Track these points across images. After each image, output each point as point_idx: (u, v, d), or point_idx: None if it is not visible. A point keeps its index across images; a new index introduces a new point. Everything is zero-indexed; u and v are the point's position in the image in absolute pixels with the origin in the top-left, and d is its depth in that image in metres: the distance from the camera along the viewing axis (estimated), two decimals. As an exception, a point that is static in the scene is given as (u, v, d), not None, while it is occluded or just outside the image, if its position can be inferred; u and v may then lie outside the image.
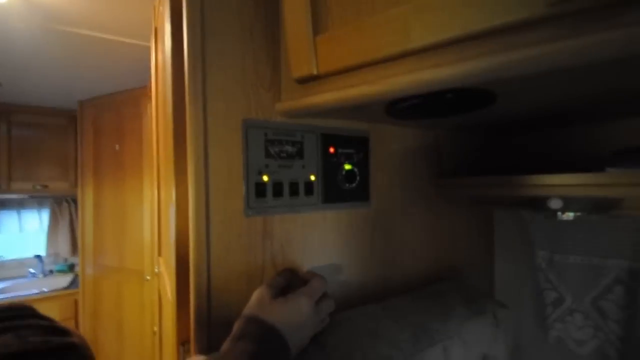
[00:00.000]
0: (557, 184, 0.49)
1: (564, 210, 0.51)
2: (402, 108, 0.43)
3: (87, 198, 1.99)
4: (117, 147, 1.89)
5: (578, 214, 0.52)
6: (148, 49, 1.28)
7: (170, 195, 0.48)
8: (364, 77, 0.38)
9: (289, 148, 0.48)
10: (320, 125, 0.51)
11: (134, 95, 1.84)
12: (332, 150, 0.52)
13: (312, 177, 0.50)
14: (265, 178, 0.45)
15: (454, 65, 0.31)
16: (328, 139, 0.52)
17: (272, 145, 0.46)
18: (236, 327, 0.34)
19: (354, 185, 0.54)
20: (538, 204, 0.54)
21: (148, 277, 1.74)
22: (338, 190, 0.53)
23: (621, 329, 0.60)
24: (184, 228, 0.42)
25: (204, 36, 0.40)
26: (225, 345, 0.33)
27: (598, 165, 0.47)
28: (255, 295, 0.38)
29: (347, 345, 0.42)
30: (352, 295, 0.54)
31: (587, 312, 0.63)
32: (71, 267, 2.44)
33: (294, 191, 0.48)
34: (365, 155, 0.55)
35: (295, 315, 0.36)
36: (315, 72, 0.41)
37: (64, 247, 2.39)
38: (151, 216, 1.67)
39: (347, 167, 0.53)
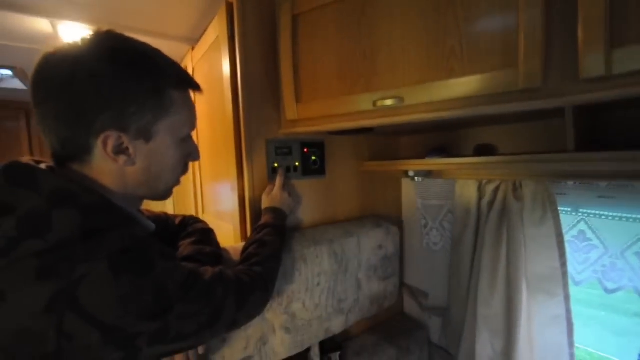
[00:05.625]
0: (413, 164, 1.06)
1: (415, 176, 1.09)
2: (336, 133, 0.98)
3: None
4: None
5: (422, 178, 1.10)
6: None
7: (227, 175, 1.02)
8: (317, 123, 0.91)
9: (285, 150, 1.02)
10: (300, 138, 1.04)
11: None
12: (306, 150, 1.06)
13: (297, 164, 1.04)
14: (276, 165, 0.99)
15: (350, 122, 0.86)
16: (304, 144, 1.06)
17: (278, 149, 1.00)
18: (263, 211, 0.89)
19: (317, 167, 1.09)
20: (410, 173, 1.12)
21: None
22: (309, 170, 1.08)
23: (451, 235, 1.21)
24: (242, 190, 0.96)
25: (251, 106, 0.93)
26: (262, 218, 0.88)
27: (424, 156, 1.04)
28: (262, 199, 0.93)
29: (312, 235, 0.99)
30: (317, 225, 1.10)
31: (438, 228, 1.24)
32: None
33: (288, 170, 1.02)
34: (322, 152, 1.10)
35: (278, 200, 0.91)
36: (297, 118, 0.94)
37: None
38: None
39: (313, 158, 1.08)
